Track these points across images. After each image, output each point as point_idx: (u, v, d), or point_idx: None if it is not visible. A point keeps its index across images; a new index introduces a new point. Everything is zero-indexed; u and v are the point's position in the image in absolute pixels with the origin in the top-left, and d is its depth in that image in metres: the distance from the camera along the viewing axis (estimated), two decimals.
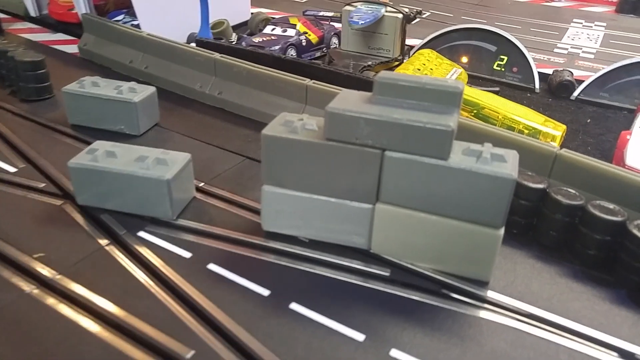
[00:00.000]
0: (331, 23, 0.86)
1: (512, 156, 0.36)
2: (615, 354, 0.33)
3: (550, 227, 0.42)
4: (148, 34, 0.69)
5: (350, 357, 0.32)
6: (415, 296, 0.37)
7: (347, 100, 0.37)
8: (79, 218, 0.43)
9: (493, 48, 0.77)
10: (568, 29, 1.06)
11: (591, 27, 1.08)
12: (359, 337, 0.33)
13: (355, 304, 0.36)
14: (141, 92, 0.55)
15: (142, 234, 0.41)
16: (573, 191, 0.42)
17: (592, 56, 0.90)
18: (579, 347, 0.34)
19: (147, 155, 0.43)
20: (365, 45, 0.77)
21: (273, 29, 0.79)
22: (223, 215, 0.44)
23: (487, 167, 0.35)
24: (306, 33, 0.78)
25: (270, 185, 0.40)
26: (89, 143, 0.47)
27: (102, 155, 0.43)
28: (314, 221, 0.40)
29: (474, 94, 0.61)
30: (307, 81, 0.57)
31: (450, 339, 0.33)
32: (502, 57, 0.77)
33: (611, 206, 0.40)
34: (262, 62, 0.62)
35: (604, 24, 1.10)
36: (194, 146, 0.55)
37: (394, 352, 0.32)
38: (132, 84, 0.56)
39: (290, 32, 0.77)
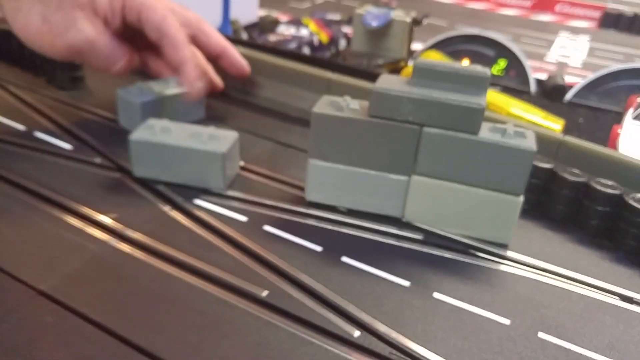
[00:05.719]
0: (338, 26, 0.92)
1: (530, 134, 0.42)
2: (616, 297, 0.39)
3: (558, 202, 0.48)
4: None
5: (399, 297, 0.37)
6: (447, 254, 0.42)
7: (390, 82, 0.42)
8: (137, 188, 0.47)
9: (491, 53, 0.84)
10: (555, 40, 1.13)
11: (576, 40, 1.16)
12: (405, 283, 0.38)
13: (396, 259, 0.41)
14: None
15: (198, 201, 0.46)
16: (577, 171, 0.48)
17: (580, 65, 0.98)
18: (587, 293, 0.40)
19: (201, 132, 0.48)
20: (375, 45, 0.83)
21: (287, 29, 0.84)
22: (267, 189, 0.49)
23: (512, 141, 0.40)
24: (318, 33, 0.84)
25: (316, 159, 0.45)
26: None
27: (159, 130, 0.48)
28: (353, 192, 0.46)
29: None
30: (329, 74, 0.62)
31: (481, 286, 0.39)
32: (500, 61, 0.84)
33: (610, 182, 0.46)
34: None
35: (588, 37, 1.18)
36: None
37: (436, 295, 0.37)
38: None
39: (304, 31, 0.83)
